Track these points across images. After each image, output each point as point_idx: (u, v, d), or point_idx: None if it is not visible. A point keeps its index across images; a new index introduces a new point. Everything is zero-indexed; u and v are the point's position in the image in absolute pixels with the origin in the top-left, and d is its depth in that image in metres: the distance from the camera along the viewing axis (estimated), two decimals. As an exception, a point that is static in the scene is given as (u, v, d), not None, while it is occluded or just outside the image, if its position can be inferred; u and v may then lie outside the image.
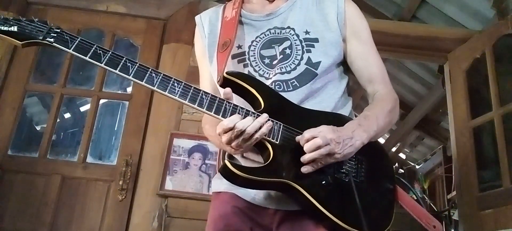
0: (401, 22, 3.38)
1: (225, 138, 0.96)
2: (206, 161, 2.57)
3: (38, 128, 3.67)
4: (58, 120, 2.81)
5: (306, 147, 0.96)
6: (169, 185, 2.50)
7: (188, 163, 2.56)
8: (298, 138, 0.99)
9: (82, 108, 3.58)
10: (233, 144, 0.96)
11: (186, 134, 2.61)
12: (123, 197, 2.51)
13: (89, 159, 2.68)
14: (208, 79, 1.26)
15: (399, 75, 4.63)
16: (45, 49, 2.99)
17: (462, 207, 2.68)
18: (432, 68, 4.20)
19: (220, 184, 1.16)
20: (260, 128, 0.95)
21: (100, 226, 2.50)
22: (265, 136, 0.99)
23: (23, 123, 2.97)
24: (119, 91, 3.03)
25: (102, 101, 2.86)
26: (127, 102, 2.80)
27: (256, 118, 0.97)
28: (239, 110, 0.98)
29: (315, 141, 0.95)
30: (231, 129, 0.94)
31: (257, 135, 0.95)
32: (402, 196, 1.11)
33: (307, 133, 0.98)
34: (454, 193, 4.36)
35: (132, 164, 2.57)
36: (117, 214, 2.50)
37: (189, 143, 2.60)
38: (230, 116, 0.96)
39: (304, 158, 0.97)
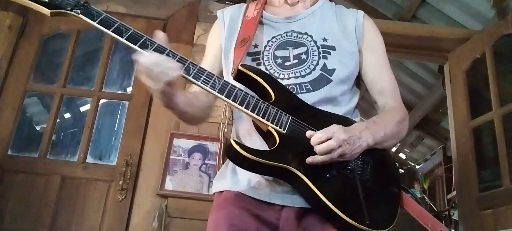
0: (401, 22, 3.38)
1: (141, 68, 0.95)
2: (206, 161, 2.57)
3: (38, 128, 3.66)
4: (58, 120, 2.81)
5: (318, 149, 0.96)
6: (169, 185, 2.50)
7: (188, 163, 2.56)
8: (309, 133, 0.99)
9: (82, 108, 3.57)
10: (149, 81, 0.95)
11: (186, 134, 2.62)
12: (123, 197, 2.51)
13: (89, 159, 2.68)
14: (209, 61, 1.28)
15: (399, 75, 4.63)
16: (45, 49, 2.99)
17: (462, 207, 2.68)
18: (432, 68, 4.20)
19: (223, 183, 1.16)
20: (170, 68, 0.95)
21: (100, 226, 2.49)
22: (270, 123, 1.00)
23: (23, 123, 2.96)
24: (119, 91, 3.03)
25: (102, 101, 2.85)
26: (127, 102, 2.80)
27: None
28: (168, 52, 1.00)
29: (329, 144, 0.96)
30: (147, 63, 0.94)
31: (167, 78, 0.94)
32: (408, 201, 1.11)
33: (322, 133, 0.97)
34: (454, 193, 4.36)
35: (132, 164, 2.57)
36: (117, 214, 2.50)
37: (189, 143, 2.60)
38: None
39: (315, 160, 0.97)
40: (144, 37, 1.00)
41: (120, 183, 2.52)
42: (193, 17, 2.93)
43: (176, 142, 2.59)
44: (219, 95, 1.00)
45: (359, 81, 1.26)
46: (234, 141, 0.98)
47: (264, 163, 0.97)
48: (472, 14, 3.13)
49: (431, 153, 6.55)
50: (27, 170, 2.60)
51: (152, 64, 0.94)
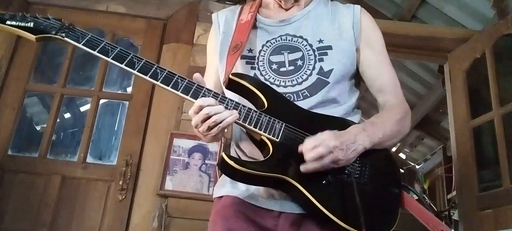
0: (401, 22, 3.38)
1: (194, 120, 0.97)
2: (206, 161, 2.57)
3: (38, 128, 3.67)
4: (58, 120, 2.81)
5: (308, 157, 0.95)
6: (169, 185, 2.50)
7: (188, 163, 2.56)
8: (300, 148, 0.97)
9: (82, 108, 3.58)
10: (200, 128, 0.97)
11: (186, 134, 2.61)
12: (123, 197, 2.51)
13: (89, 159, 2.68)
14: (213, 74, 1.27)
15: (399, 75, 4.59)
16: (45, 49, 2.99)
17: (462, 207, 2.68)
18: (432, 68, 4.20)
19: (222, 188, 1.15)
20: (226, 117, 0.96)
21: (100, 226, 2.49)
22: (263, 132, 0.98)
23: (23, 123, 2.97)
24: (119, 91, 3.03)
25: (102, 101, 2.85)
26: (127, 102, 2.80)
27: (230, 107, 0.98)
28: (213, 94, 1.00)
29: (317, 151, 0.94)
30: (200, 109, 0.95)
31: (221, 125, 0.96)
32: (409, 201, 1.09)
33: (308, 142, 0.96)
34: (454, 193, 4.36)
35: (132, 164, 2.57)
36: (117, 214, 2.50)
37: (189, 143, 2.60)
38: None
39: (306, 168, 0.96)
40: (131, 55, 1.00)
41: (120, 183, 2.52)
42: (193, 17, 2.93)
43: (176, 142, 2.59)
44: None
45: (358, 80, 1.23)
46: (226, 154, 0.96)
47: (258, 175, 0.95)
48: (472, 14, 3.13)
49: (431, 153, 6.55)
50: (27, 170, 2.60)
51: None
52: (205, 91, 0.99)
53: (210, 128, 0.96)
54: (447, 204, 5.22)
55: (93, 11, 2.95)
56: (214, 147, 2.58)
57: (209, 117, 0.95)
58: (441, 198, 6.12)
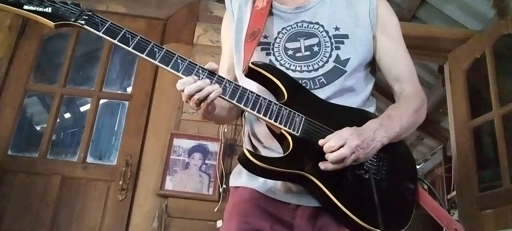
0: (401, 22, 3.36)
1: (183, 96, 0.98)
2: (206, 161, 2.57)
3: (38, 128, 3.66)
4: (58, 120, 2.81)
5: (331, 158, 0.94)
6: (169, 185, 2.50)
7: (188, 163, 2.56)
8: (322, 141, 0.96)
9: (82, 108, 3.57)
10: (190, 103, 0.98)
11: (186, 134, 2.61)
12: (123, 197, 2.51)
13: (89, 159, 2.68)
14: (227, 60, 1.27)
15: (399, 75, 4.61)
16: (45, 48, 2.99)
17: (462, 207, 2.68)
18: (432, 68, 4.20)
19: (239, 179, 1.15)
20: (209, 93, 0.95)
21: (100, 226, 2.49)
22: (283, 126, 0.99)
23: (23, 123, 2.96)
24: (119, 91, 3.02)
25: (102, 101, 2.85)
26: (127, 102, 2.80)
27: (211, 82, 0.97)
28: (195, 72, 0.99)
29: (341, 153, 0.93)
30: (182, 90, 0.96)
31: (207, 101, 0.96)
32: (424, 197, 1.09)
33: (334, 141, 0.94)
34: (454, 193, 4.36)
35: (132, 164, 2.57)
36: (117, 214, 2.50)
37: (189, 143, 2.60)
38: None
39: (327, 168, 0.95)
40: (151, 44, 1.00)
41: (120, 183, 2.52)
42: (193, 17, 2.93)
43: (176, 142, 2.59)
44: (230, 100, 0.99)
45: (374, 68, 1.22)
46: (247, 150, 0.96)
47: (278, 171, 0.96)
48: (472, 14, 3.13)
49: (431, 153, 6.55)
50: (27, 170, 2.60)
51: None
52: (226, 83, 0.99)
53: (198, 105, 0.97)
54: (447, 204, 5.21)
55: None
56: (214, 147, 2.58)
57: (192, 95, 0.95)
58: (441, 198, 6.12)
